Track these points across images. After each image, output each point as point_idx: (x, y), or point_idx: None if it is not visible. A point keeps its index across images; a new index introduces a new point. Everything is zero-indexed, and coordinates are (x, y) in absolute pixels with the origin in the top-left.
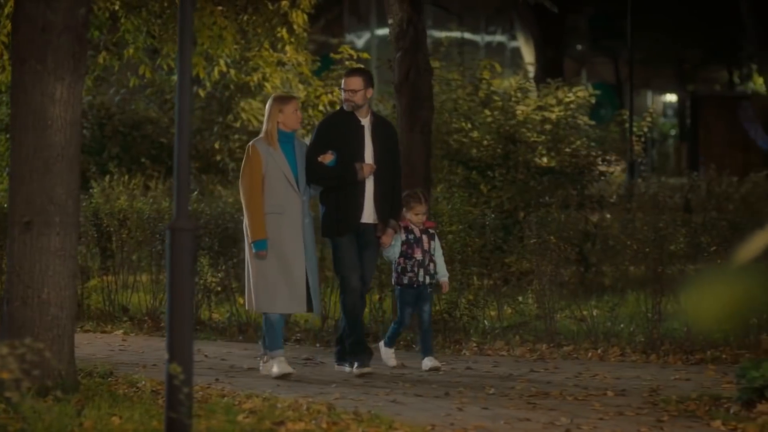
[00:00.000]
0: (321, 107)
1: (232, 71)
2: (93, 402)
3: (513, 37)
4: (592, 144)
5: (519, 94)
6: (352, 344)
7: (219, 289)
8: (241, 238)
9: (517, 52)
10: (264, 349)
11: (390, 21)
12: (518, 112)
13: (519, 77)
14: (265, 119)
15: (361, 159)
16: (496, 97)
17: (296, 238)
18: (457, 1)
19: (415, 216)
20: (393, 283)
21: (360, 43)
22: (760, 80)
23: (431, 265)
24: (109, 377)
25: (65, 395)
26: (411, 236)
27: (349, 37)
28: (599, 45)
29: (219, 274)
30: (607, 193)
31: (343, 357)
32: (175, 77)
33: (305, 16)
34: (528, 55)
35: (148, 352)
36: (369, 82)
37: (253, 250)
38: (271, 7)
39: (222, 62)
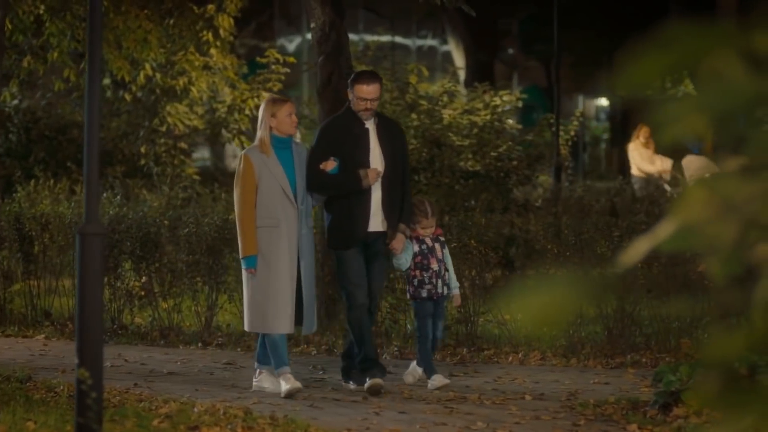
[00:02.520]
0: (247, 111)
1: (158, 75)
2: (8, 407)
3: (444, 41)
4: (518, 148)
5: (445, 98)
6: (362, 361)
7: (142, 293)
8: (165, 242)
9: (448, 56)
10: (258, 365)
11: (312, 25)
12: (445, 116)
13: (446, 81)
14: (258, 125)
15: (366, 164)
16: (422, 101)
17: (291, 253)
18: (388, 4)
19: (422, 230)
20: (408, 297)
21: (291, 47)
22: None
23: (446, 274)
24: (27, 382)
25: None
26: (424, 246)
27: (280, 41)
28: (531, 49)
29: (142, 279)
30: (533, 196)
31: (349, 373)
32: (104, 81)
33: (231, 20)
34: (459, 59)
35: (69, 356)
36: (382, 84)
37: (243, 267)
38: (196, 11)
39: (148, 66)
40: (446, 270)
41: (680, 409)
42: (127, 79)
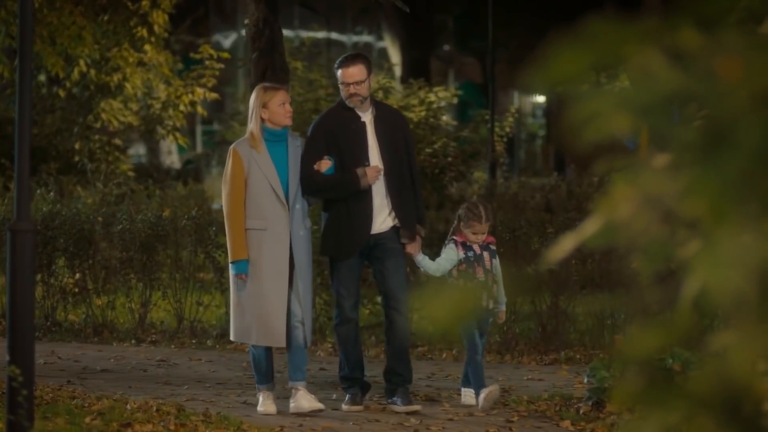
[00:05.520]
0: (182, 107)
1: (93, 71)
2: None
3: (380, 38)
4: (453, 144)
5: (381, 94)
6: (342, 378)
7: (75, 290)
8: (99, 239)
9: (383, 53)
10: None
11: (246, 21)
12: None
13: (381, 77)
14: (248, 117)
15: (365, 162)
16: None
17: (279, 259)
18: (323, 1)
19: (473, 235)
20: None
21: (227, 43)
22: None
23: (494, 287)
24: None
25: None
26: (471, 254)
27: (216, 37)
28: (466, 45)
29: (75, 275)
30: (468, 193)
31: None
32: (39, 77)
33: (166, 16)
34: (395, 55)
35: (1, 354)
36: (371, 68)
37: (232, 272)
38: (131, 7)
39: (82, 62)
40: (494, 282)
41: (613, 405)
42: (61, 75)
